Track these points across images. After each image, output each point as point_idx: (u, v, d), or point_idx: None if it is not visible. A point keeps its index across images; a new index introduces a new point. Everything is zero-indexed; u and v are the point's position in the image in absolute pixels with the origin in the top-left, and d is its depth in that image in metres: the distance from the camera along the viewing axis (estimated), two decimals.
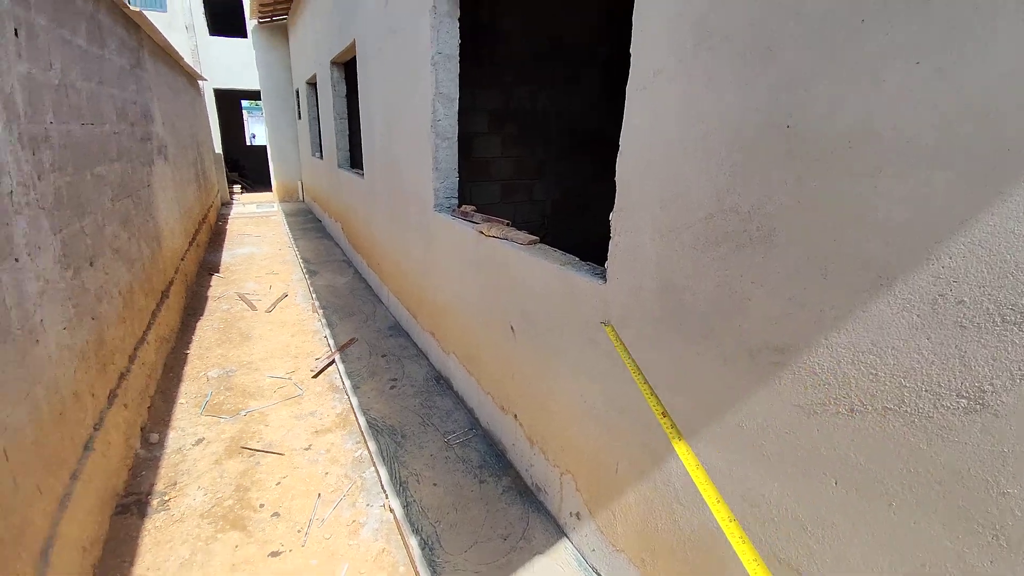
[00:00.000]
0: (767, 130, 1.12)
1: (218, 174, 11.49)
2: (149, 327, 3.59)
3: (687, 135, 1.33)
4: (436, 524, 2.29)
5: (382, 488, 2.59)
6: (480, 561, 2.10)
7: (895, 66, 0.89)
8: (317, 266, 6.70)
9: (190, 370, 3.85)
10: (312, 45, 7.52)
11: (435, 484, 2.57)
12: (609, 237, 1.68)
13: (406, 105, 3.48)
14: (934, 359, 0.90)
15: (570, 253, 2.17)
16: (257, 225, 9.75)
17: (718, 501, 1.26)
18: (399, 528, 2.31)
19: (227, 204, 12.20)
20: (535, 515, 2.36)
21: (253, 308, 5.23)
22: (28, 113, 2.01)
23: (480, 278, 2.77)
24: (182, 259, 5.39)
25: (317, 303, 5.26)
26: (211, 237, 8.32)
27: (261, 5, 9.14)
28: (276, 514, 2.43)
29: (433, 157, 3.10)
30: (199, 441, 2.98)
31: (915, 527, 0.96)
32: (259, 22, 10.83)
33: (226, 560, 2.16)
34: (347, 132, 6.82)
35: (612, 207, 1.65)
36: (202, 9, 11.11)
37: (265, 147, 14.00)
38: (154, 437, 2.99)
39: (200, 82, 10.14)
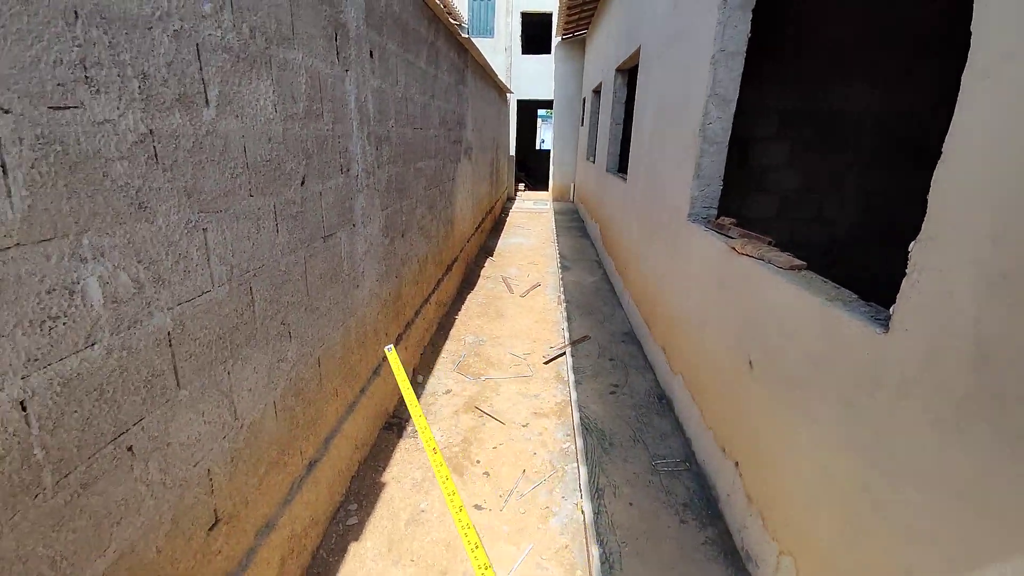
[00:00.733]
0: None
1: (508, 173, 13.40)
2: (433, 291, 4.47)
3: None
4: (622, 545, 2.19)
5: (579, 487, 2.61)
6: None
7: None
8: (571, 262, 7.15)
9: (454, 332, 4.63)
10: (602, 55, 7.95)
11: (631, 504, 2.45)
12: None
13: (676, 108, 3.35)
14: None
15: (853, 289, 1.73)
16: (530, 219, 11.00)
17: None
18: (585, 532, 2.30)
19: (511, 199, 14.13)
20: None
21: (511, 291, 5.94)
22: (376, 118, 2.73)
23: (722, 299, 2.48)
24: (467, 241, 6.50)
25: (563, 296, 5.62)
26: (493, 226, 9.78)
27: (566, 22, 10.13)
28: (487, 473, 2.72)
29: (696, 163, 2.90)
30: (447, 392, 3.57)
31: None
32: (562, 38, 12.06)
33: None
34: (619, 137, 7.00)
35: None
36: (519, 33, 13.00)
37: (549, 151, 15.63)
38: (420, 378, 3.71)
39: (507, 94, 11.95)
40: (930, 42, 4.34)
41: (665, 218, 3.58)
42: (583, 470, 2.68)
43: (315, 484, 2.08)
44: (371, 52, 2.65)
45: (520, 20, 12.98)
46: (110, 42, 1.07)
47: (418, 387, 3.59)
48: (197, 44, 1.34)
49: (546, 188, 15.23)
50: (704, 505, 2.44)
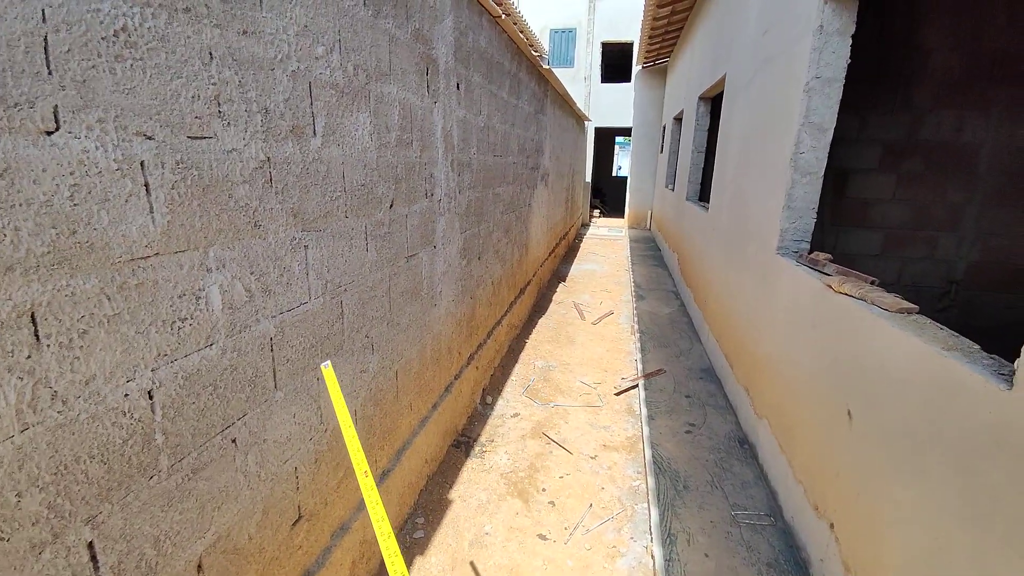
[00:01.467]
0: None
1: (584, 199, 13.41)
2: (505, 314, 4.53)
3: None
4: None
5: (649, 529, 2.48)
6: None
7: None
8: (646, 292, 6.96)
9: (524, 356, 4.64)
10: (684, 83, 7.83)
11: (707, 555, 2.28)
12: None
13: (766, 136, 3.20)
14: None
15: (973, 337, 1.53)
16: (604, 246, 10.89)
17: None
18: None
19: (585, 225, 14.09)
20: None
21: (582, 317, 5.88)
22: (460, 146, 2.87)
23: (816, 340, 2.29)
24: (540, 266, 6.55)
25: (636, 326, 5.47)
26: (566, 251, 9.79)
27: (647, 51, 10.13)
28: (552, 503, 2.67)
29: (787, 194, 2.74)
30: (515, 415, 3.57)
31: None
32: (643, 67, 12.04)
33: (506, 520, 2.51)
34: (701, 166, 6.80)
35: None
36: (599, 62, 13.17)
37: (624, 178, 15.48)
38: (489, 399, 3.75)
39: (585, 122, 12.06)
40: None
41: (751, 251, 3.40)
42: (654, 512, 2.54)
43: (386, 493, 2.15)
44: (458, 84, 2.80)
45: (600, 50, 13.16)
46: (240, 81, 1.22)
47: (487, 408, 3.62)
48: (310, 82, 1.50)
49: (621, 215, 15.04)
50: (792, 568, 2.22)
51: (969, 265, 4.38)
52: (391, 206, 2.07)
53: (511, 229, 4.60)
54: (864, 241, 4.45)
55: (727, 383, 3.85)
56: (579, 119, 10.30)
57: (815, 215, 2.75)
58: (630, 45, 12.94)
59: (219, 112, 1.17)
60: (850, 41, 2.38)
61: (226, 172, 1.20)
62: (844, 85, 2.48)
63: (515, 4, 6.74)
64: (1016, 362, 1.17)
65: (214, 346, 1.19)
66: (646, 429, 3.33)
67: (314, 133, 1.53)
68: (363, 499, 1.96)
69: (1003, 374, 1.25)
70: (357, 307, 1.85)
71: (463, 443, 3.16)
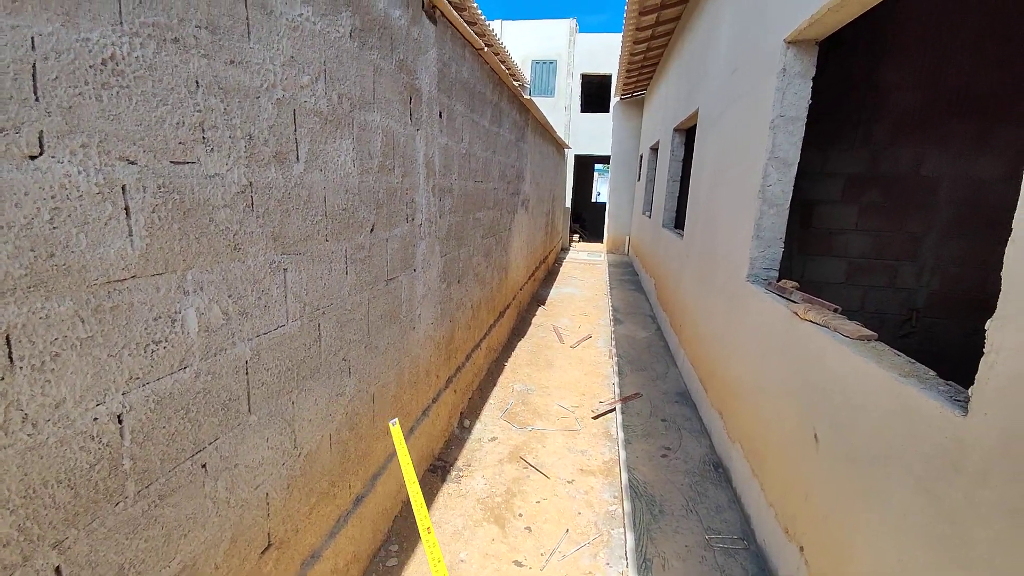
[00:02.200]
0: None
1: (564, 224, 13.62)
2: (484, 337, 4.54)
3: None
4: None
5: (625, 555, 2.48)
6: None
7: None
8: (624, 316, 7.06)
9: (503, 379, 4.64)
10: (660, 115, 8.12)
11: None
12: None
13: (735, 169, 3.35)
14: None
15: (934, 363, 1.62)
16: (583, 271, 11.03)
17: None
18: None
19: (565, 249, 14.27)
20: None
21: (561, 341, 5.91)
22: (441, 172, 2.93)
23: (784, 366, 2.37)
24: (520, 289, 6.60)
25: (614, 350, 5.53)
26: (546, 275, 9.88)
27: (625, 84, 10.50)
28: (528, 528, 2.64)
29: (755, 224, 2.86)
30: (493, 439, 3.55)
31: None
32: (621, 98, 12.46)
33: (482, 547, 2.48)
34: (676, 194, 7.02)
35: None
36: (579, 92, 13.58)
37: (604, 204, 15.81)
38: (467, 423, 3.72)
39: (566, 150, 12.35)
40: (1003, 109, 4.14)
41: (723, 277, 3.51)
42: (630, 537, 2.54)
43: (360, 520, 2.11)
44: (440, 113, 2.88)
45: (580, 81, 13.59)
46: (225, 108, 1.25)
47: (464, 432, 3.60)
48: (294, 109, 1.53)
49: (600, 240, 15.30)
50: None
51: (930, 293, 4.59)
52: (372, 230, 2.10)
53: (491, 253, 4.65)
54: (829, 269, 4.63)
55: (702, 407, 3.91)
56: (559, 146, 10.55)
57: (782, 244, 2.87)
58: (608, 77, 13.42)
59: (203, 138, 1.19)
60: (811, 83, 2.54)
61: (208, 196, 1.21)
62: (807, 123, 2.63)
63: (498, 36, 6.95)
64: (970, 389, 1.24)
65: (188, 369, 1.18)
66: (623, 453, 3.35)
67: (297, 159, 1.56)
68: (335, 526, 1.93)
69: (958, 400, 1.32)
70: (335, 330, 1.85)
71: (440, 467, 3.12)
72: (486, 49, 3.52)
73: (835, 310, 2.20)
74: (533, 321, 6.67)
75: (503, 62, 4.07)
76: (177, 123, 1.11)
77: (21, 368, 0.83)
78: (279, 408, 1.54)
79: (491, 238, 4.59)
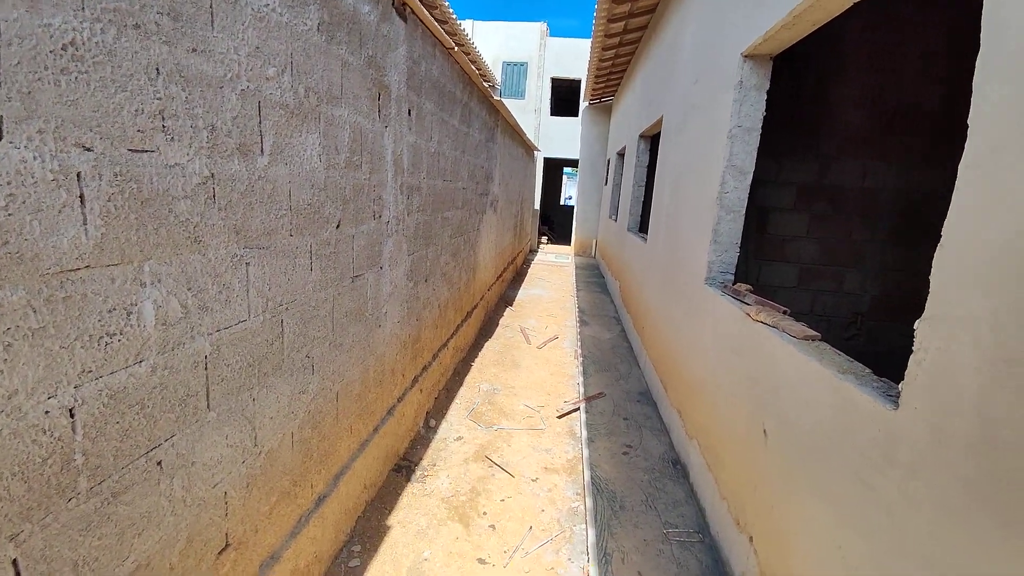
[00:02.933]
0: None
1: (532, 226, 13.72)
2: (451, 337, 4.54)
3: None
4: None
5: (587, 550, 2.53)
6: None
7: None
8: (589, 317, 7.18)
9: (469, 379, 4.65)
10: (627, 121, 8.32)
11: (639, 573, 2.36)
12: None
13: (695, 175, 3.48)
14: None
15: (875, 362, 1.73)
16: (551, 272, 11.15)
17: None
18: None
19: (533, 251, 14.38)
20: None
21: (528, 342, 5.97)
22: (409, 170, 2.92)
23: (737, 365, 2.48)
24: (488, 290, 6.62)
25: (580, 351, 5.62)
26: (514, 276, 9.93)
27: (593, 89, 10.70)
28: (492, 526, 2.67)
29: (713, 229, 2.99)
30: (459, 438, 3.56)
31: None
32: (589, 103, 12.68)
33: (446, 546, 2.49)
34: (641, 199, 7.20)
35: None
36: (549, 96, 13.73)
37: (572, 206, 16.02)
38: (432, 422, 3.71)
39: (535, 152, 12.46)
40: (943, 126, 4.46)
41: (682, 281, 3.64)
42: (591, 532, 2.61)
43: (322, 520, 2.08)
44: (409, 111, 2.87)
45: (550, 85, 13.74)
46: (187, 97, 1.23)
47: (430, 431, 3.59)
48: (259, 101, 1.51)
49: (568, 242, 15.49)
50: None
51: (873, 298, 4.88)
52: (338, 226, 2.08)
53: (459, 253, 4.66)
54: (783, 274, 4.86)
55: (662, 406, 4.03)
56: (529, 149, 10.63)
57: (739, 249, 3.00)
58: (578, 82, 13.61)
59: (163, 127, 1.16)
60: (766, 96, 2.67)
61: (167, 186, 1.19)
62: (763, 133, 2.76)
63: (469, 36, 6.97)
64: (901, 384, 1.34)
65: (144, 363, 1.15)
66: (586, 451, 3.42)
67: (262, 152, 1.54)
68: (296, 525, 1.90)
69: (890, 395, 1.42)
70: (299, 326, 1.83)
71: (404, 467, 3.11)
72: (456, 49, 3.53)
73: (785, 312, 2.33)
74: (501, 322, 6.71)
75: (474, 62, 4.09)
76: (136, 110, 1.09)
77: None
78: (239, 405, 1.52)
79: (459, 238, 4.60)
